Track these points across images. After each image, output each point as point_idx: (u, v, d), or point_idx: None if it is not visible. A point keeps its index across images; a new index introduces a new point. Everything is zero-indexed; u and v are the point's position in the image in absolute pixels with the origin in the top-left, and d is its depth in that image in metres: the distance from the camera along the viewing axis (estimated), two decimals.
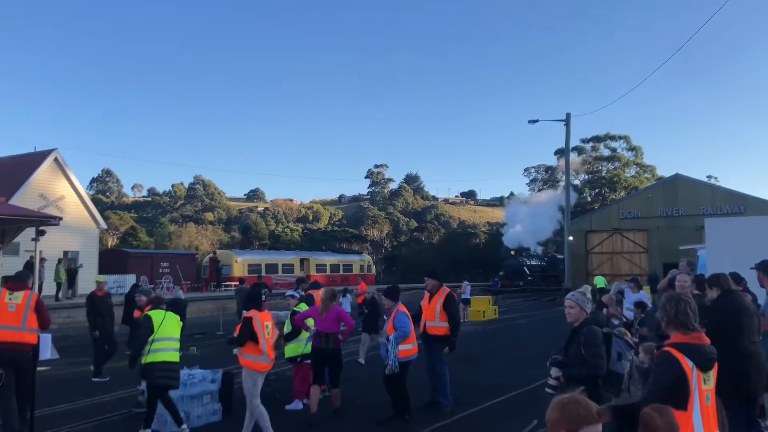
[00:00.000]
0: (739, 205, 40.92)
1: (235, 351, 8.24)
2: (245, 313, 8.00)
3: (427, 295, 10.06)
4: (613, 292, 13.09)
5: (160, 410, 8.47)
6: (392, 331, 8.88)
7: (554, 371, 5.52)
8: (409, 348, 8.97)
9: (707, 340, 3.94)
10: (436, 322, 9.69)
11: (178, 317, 8.60)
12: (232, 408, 9.42)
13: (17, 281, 8.10)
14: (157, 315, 8.25)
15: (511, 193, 64.82)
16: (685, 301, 4.00)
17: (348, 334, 9.77)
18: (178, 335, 8.40)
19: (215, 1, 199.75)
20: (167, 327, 8.20)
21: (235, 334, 8.25)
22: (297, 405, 9.90)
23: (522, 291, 45.40)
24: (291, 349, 10.22)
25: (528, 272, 50.27)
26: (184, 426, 8.13)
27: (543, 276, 51.39)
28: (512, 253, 51.93)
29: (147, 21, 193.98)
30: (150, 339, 8.02)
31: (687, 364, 3.71)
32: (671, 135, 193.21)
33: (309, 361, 9.86)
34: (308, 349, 9.83)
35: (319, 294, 12.16)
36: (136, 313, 9.37)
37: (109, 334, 13.43)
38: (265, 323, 7.92)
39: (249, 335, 7.75)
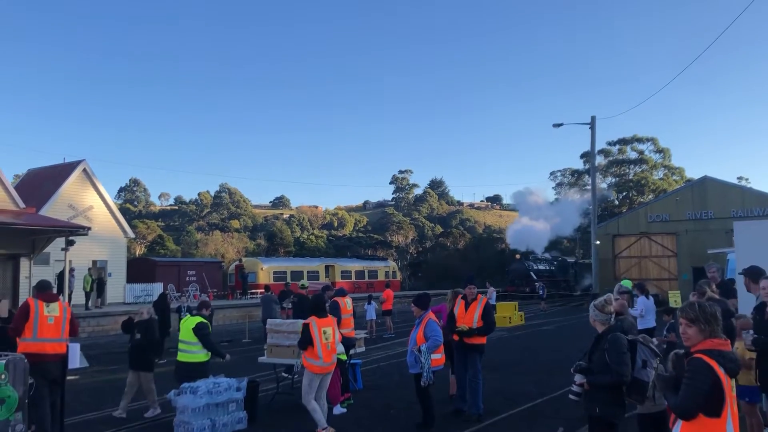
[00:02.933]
0: None
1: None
2: (306, 320, 8.54)
3: (462, 303, 9.90)
4: (616, 292, 12.89)
5: (187, 417, 8.56)
6: (423, 341, 8.69)
7: (578, 378, 5.46)
8: (438, 358, 8.85)
9: (730, 347, 3.88)
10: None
11: (186, 322, 9.43)
12: (257, 416, 9.47)
13: (49, 291, 8.28)
14: None
15: None
16: (711, 306, 3.94)
17: None
18: (184, 337, 9.31)
19: (239, 12, 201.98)
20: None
21: None
22: (338, 410, 9.88)
23: (529, 297, 42.67)
24: None
25: (535, 277, 47.48)
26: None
27: (552, 281, 48.39)
28: (517, 256, 49.93)
29: (172, 34, 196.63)
30: None
31: (720, 370, 3.67)
32: (700, 136, 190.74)
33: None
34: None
35: (344, 301, 12.22)
36: None
37: None
38: (323, 329, 8.43)
39: (307, 340, 8.32)
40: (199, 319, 9.41)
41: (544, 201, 62.39)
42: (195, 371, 9.11)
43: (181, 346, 9.36)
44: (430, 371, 8.54)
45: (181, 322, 9.58)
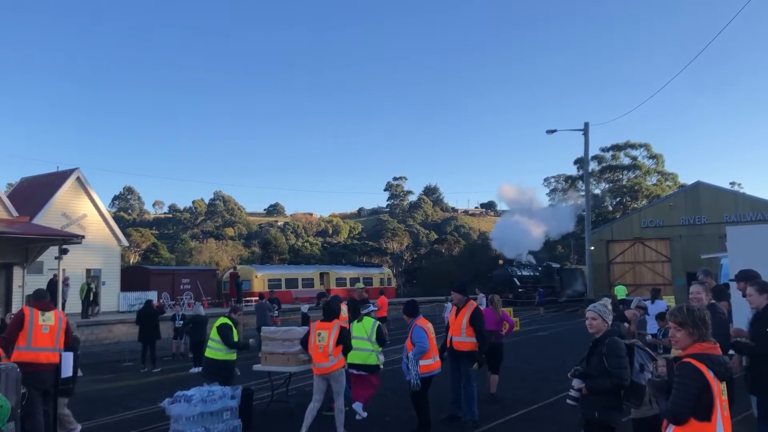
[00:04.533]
0: (763, 212, 40.36)
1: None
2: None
3: (453, 309, 9.94)
4: (633, 306, 12.91)
5: (182, 426, 8.50)
6: (411, 348, 8.75)
7: (576, 383, 5.45)
8: (430, 363, 8.80)
9: (719, 351, 3.88)
10: (463, 338, 9.51)
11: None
12: (251, 424, 9.42)
13: (45, 300, 8.23)
14: None
15: None
16: (700, 310, 3.94)
17: (510, 331, 12.11)
18: (213, 336, 10.10)
19: (231, 20, 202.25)
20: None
21: None
22: (357, 406, 9.82)
23: (513, 304, 40.85)
24: (358, 356, 9.78)
25: (519, 283, 46.88)
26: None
27: (537, 287, 46.35)
28: (500, 262, 49.27)
29: (167, 40, 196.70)
30: None
31: (709, 374, 3.66)
32: (694, 142, 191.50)
33: (363, 373, 9.85)
34: (373, 359, 9.82)
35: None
36: None
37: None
38: (318, 331, 8.71)
39: (304, 340, 9.02)
40: (224, 320, 10.11)
41: (531, 198, 61.76)
42: (219, 368, 9.86)
43: (210, 343, 10.18)
44: (418, 377, 8.53)
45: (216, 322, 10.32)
